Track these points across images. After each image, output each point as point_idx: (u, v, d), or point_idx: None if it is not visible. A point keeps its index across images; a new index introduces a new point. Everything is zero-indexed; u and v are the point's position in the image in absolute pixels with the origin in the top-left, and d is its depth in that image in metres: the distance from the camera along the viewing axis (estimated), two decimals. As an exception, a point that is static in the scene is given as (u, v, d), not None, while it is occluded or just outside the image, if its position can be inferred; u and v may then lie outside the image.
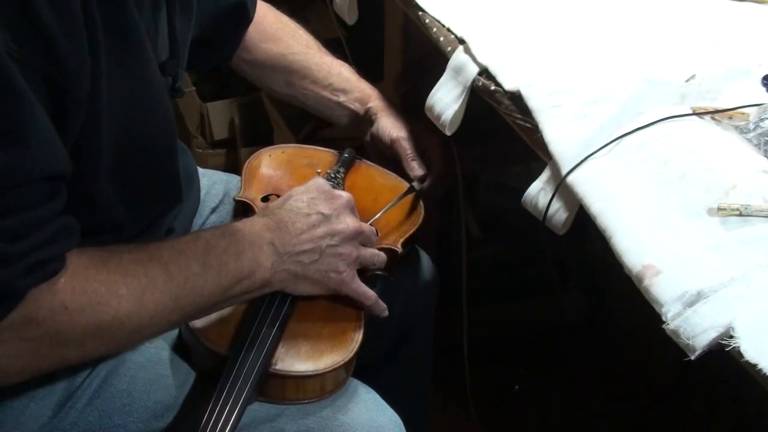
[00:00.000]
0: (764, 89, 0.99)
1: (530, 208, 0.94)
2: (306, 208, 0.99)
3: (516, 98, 0.98)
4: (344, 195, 1.02)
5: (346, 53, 1.65)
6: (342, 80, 1.26)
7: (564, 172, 0.89)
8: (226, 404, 0.86)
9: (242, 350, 0.91)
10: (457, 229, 1.59)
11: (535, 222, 0.94)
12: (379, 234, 1.08)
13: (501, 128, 1.03)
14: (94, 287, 0.79)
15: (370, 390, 1.01)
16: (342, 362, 0.95)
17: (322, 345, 0.97)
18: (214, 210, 1.20)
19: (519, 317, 1.87)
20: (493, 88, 1.02)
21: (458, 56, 1.08)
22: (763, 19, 1.16)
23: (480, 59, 1.05)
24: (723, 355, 0.70)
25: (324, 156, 1.24)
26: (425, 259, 1.28)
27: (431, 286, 1.29)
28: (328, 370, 0.94)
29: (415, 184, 1.19)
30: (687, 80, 1.00)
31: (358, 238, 1.01)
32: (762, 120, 0.90)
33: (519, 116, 0.98)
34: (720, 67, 1.02)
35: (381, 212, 1.12)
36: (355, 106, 1.26)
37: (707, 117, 0.93)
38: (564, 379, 1.81)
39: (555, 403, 1.78)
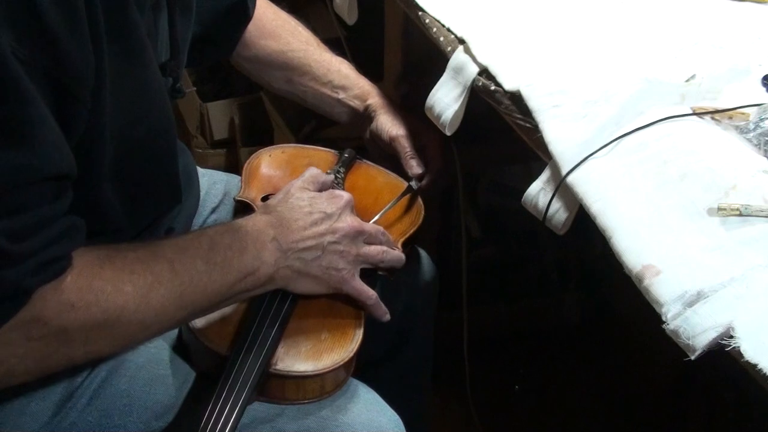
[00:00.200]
0: (764, 89, 0.99)
1: (530, 208, 0.94)
2: (308, 206, 0.99)
3: (516, 98, 0.98)
4: (345, 195, 1.03)
5: (346, 53, 1.65)
6: (341, 77, 1.26)
7: (564, 172, 0.89)
8: (226, 404, 0.86)
9: (242, 350, 0.91)
10: (457, 229, 1.59)
11: (535, 222, 0.94)
12: (380, 234, 1.08)
13: (501, 128, 1.03)
14: (100, 285, 0.80)
15: (370, 390, 1.01)
16: (342, 362, 0.95)
17: (322, 345, 0.97)
18: (214, 210, 1.20)
19: (519, 317, 1.87)
20: (493, 88, 1.02)
21: (458, 56, 1.08)
22: (763, 19, 1.16)
23: (480, 59, 1.05)
24: (723, 355, 0.70)
25: (324, 156, 1.24)
26: (425, 259, 1.28)
27: (431, 286, 1.29)
28: (328, 370, 0.94)
29: (413, 183, 1.19)
30: (687, 80, 1.00)
31: (359, 237, 1.01)
32: (762, 120, 0.90)
33: (519, 116, 0.98)
34: (720, 67, 1.02)
35: (380, 213, 1.12)
36: (355, 104, 1.26)
37: (707, 117, 0.92)
38: (564, 379, 1.81)
39: (555, 403, 1.78)
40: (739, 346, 0.68)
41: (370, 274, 1.03)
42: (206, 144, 2.39)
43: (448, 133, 1.11)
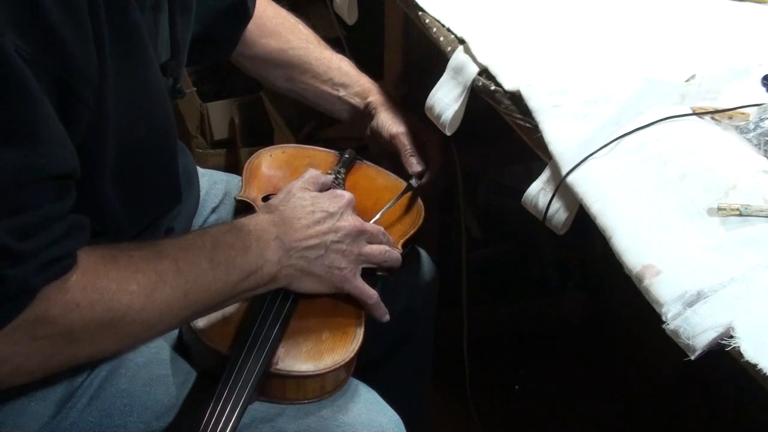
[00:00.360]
0: (764, 89, 0.99)
1: (530, 208, 0.94)
2: (310, 205, 0.99)
3: (516, 98, 0.99)
4: (346, 194, 1.03)
5: (346, 53, 1.65)
6: (342, 74, 1.26)
7: (564, 172, 0.89)
8: (227, 404, 0.86)
9: (243, 350, 0.91)
10: (457, 229, 1.59)
11: (535, 222, 0.94)
12: (381, 234, 1.08)
13: (501, 128, 1.03)
14: (104, 284, 0.80)
15: (371, 390, 1.01)
16: (343, 362, 0.95)
17: (323, 345, 0.97)
18: (214, 210, 1.20)
19: (519, 317, 1.87)
20: (493, 88, 1.02)
21: (458, 56, 1.08)
22: (763, 19, 1.16)
23: (480, 59, 1.05)
24: (723, 355, 0.70)
25: (325, 156, 1.24)
26: (425, 259, 1.28)
27: (431, 286, 1.29)
28: (328, 370, 0.94)
29: (413, 181, 1.19)
30: (687, 80, 1.00)
31: (361, 236, 1.01)
32: (762, 120, 0.90)
33: (519, 116, 0.98)
34: (720, 67, 1.02)
35: (381, 211, 1.12)
36: (355, 101, 1.26)
37: (707, 117, 0.93)
38: (564, 379, 1.81)
39: (555, 403, 1.78)
40: (739, 346, 0.69)
41: (370, 274, 1.03)
42: (206, 144, 2.39)
43: (448, 133, 1.11)
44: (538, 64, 1.03)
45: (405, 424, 1.00)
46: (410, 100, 1.32)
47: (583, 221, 0.88)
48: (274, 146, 1.26)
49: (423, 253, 1.28)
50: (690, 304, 0.73)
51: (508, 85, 1.00)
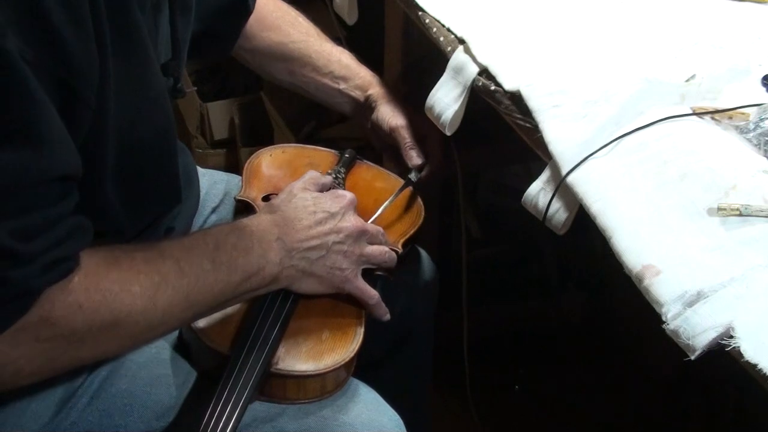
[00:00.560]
0: (764, 89, 0.99)
1: (530, 208, 0.94)
2: (312, 206, 0.99)
3: (516, 98, 0.99)
4: (348, 194, 1.03)
5: (346, 53, 1.65)
6: (342, 67, 1.25)
7: (564, 172, 0.89)
8: (228, 404, 0.86)
9: (244, 350, 0.91)
10: (457, 229, 1.59)
11: (535, 222, 0.94)
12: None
13: (501, 128, 1.03)
14: (107, 286, 0.80)
15: (371, 390, 1.01)
16: (343, 362, 0.95)
17: (323, 345, 0.97)
18: (214, 210, 1.20)
19: (519, 317, 1.87)
20: (493, 88, 1.02)
21: (458, 56, 1.08)
22: (763, 19, 1.16)
23: (480, 59, 1.05)
24: (723, 355, 0.70)
25: (325, 156, 1.24)
26: (425, 259, 1.28)
27: (431, 286, 1.29)
28: (329, 369, 0.94)
29: (412, 175, 1.18)
30: (687, 80, 1.00)
31: (362, 237, 1.01)
32: (762, 120, 0.90)
33: (519, 116, 0.98)
34: (720, 67, 1.02)
35: (380, 209, 1.12)
36: (356, 94, 1.25)
37: (707, 117, 0.93)
38: (564, 379, 1.81)
39: (555, 403, 1.78)
40: (739, 346, 0.69)
41: (369, 274, 1.03)
42: (206, 144, 2.39)
43: (448, 133, 1.11)
44: (538, 64, 1.03)
45: (405, 424, 1.00)
46: (410, 100, 1.32)
47: (583, 221, 0.88)
48: (274, 146, 1.26)
49: (423, 253, 1.28)
50: (690, 304, 0.73)
51: (508, 85, 1.00)
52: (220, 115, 2.34)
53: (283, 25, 1.26)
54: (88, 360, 0.85)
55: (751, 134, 0.90)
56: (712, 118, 0.92)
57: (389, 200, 1.14)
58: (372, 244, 1.03)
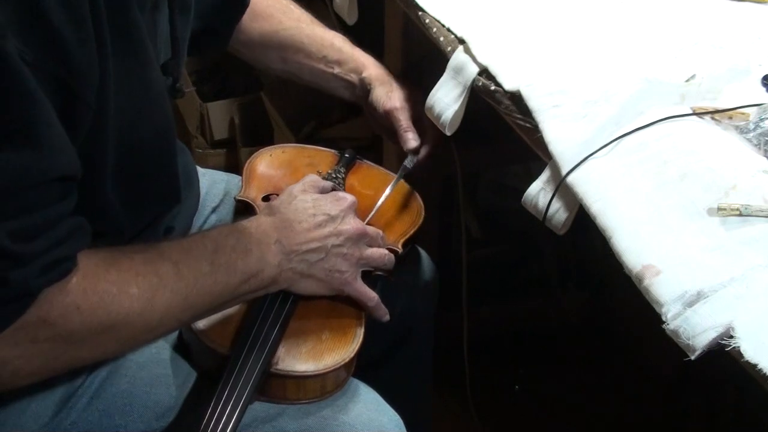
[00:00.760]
0: (764, 89, 0.99)
1: (530, 208, 0.94)
2: (312, 208, 0.99)
3: (516, 98, 0.99)
4: (348, 197, 1.03)
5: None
6: (335, 51, 1.24)
7: (564, 172, 0.89)
8: (228, 404, 0.86)
9: (244, 350, 0.91)
10: (457, 229, 1.59)
11: (535, 222, 0.94)
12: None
13: (501, 128, 1.03)
14: (105, 287, 0.80)
15: (371, 390, 1.01)
16: (343, 362, 0.95)
17: (323, 345, 0.97)
18: (214, 210, 1.20)
19: (519, 317, 1.87)
20: (493, 88, 1.02)
21: (458, 56, 1.08)
22: (763, 19, 1.16)
23: (480, 59, 1.05)
24: (723, 355, 0.70)
25: (325, 156, 1.24)
26: (425, 259, 1.28)
27: (431, 286, 1.29)
28: (328, 370, 0.94)
29: (407, 161, 1.17)
30: (687, 80, 1.00)
31: (362, 239, 1.01)
32: (762, 120, 0.90)
33: (519, 116, 0.98)
34: (720, 67, 1.02)
35: (380, 200, 1.12)
36: (351, 77, 1.24)
37: (707, 117, 0.93)
38: (564, 379, 1.81)
39: (555, 403, 1.78)
40: (739, 346, 0.69)
41: (369, 274, 1.03)
42: (206, 144, 2.39)
43: (448, 133, 1.11)
44: (538, 64, 1.03)
45: (405, 424, 1.00)
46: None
47: (583, 221, 0.88)
48: (274, 146, 1.26)
49: (423, 253, 1.28)
50: (690, 304, 0.73)
51: (508, 85, 1.00)
52: (220, 115, 2.34)
53: (275, 13, 1.25)
54: (87, 361, 0.85)
55: (751, 134, 0.90)
56: (712, 118, 0.92)
57: (388, 190, 1.13)
58: (371, 246, 1.02)
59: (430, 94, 1.11)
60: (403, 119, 1.19)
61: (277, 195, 1.08)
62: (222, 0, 1.16)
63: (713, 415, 1.64)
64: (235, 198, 1.15)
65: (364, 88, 1.23)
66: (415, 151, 1.18)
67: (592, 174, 0.88)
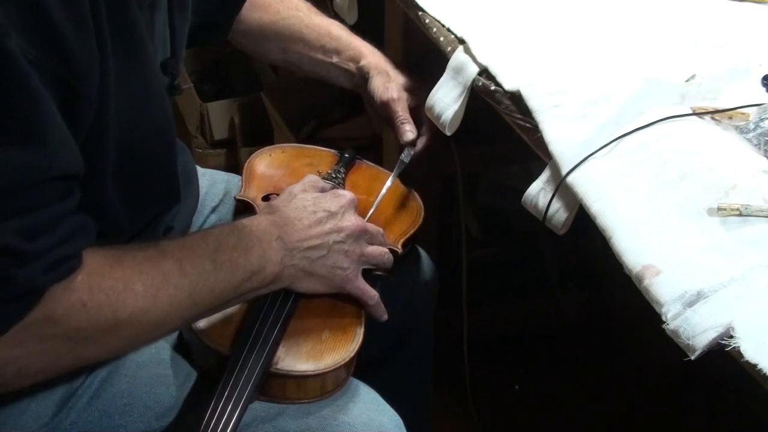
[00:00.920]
0: (764, 89, 0.99)
1: (530, 208, 0.94)
2: (312, 205, 0.99)
3: (516, 98, 0.99)
4: (348, 194, 1.03)
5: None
6: (333, 40, 1.23)
7: (564, 172, 0.89)
8: (228, 404, 0.86)
9: (244, 350, 0.91)
10: (457, 229, 1.59)
11: (535, 222, 0.94)
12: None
13: (501, 128, 1.03)
14: (110, 284, 0.80)
15: (371, 390, 1.01)
16: (343, 362, 0.95)
17: (324, 345, 0.97)
18: (214, 209, 1.20)
19: (519, 317, 1.87)
20: (493, 88, 1.02)
21: (458, 56, 1.08)
22: (763, 19, 1.16)
23: (480, 59, 1.05)
24: (723, 355, 0.70)
25: (324, 156, 1.24)
26: (425, 259, 1.28)
27: (431, 286, 1.29)
28: (329, 369, 0.94)
29: (404, 155, 1.17)
30: (687, 80, 1.00)
31: (363, 236, 1.01)
32: (762, 120, 0.90)
33: (519, 116, 0.98)
34: (720, 67, 1.02)
35: (378, 197, 1.12)
36: (349, 66, 1.23)
37: (707, 117, 0.93)
38: (564, 379, 1.81)
39: (555, 403, 1.78)
40: (739, 346, 0.69)
41: (369, 274, 1.04)
42: (206, 144, 2.39)
43: (448, 133, 1.11)
44: (538, 64, 1.03)
45: (405, 424, 1.00)
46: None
47: (583, 221, 0.88)
48: (274, 146, 1.26)
49: (423, 253, 1.28)
50: (690, 304, 0.73)
51: (508, 85, 1.00)
52: (220, 115, 2.34)
53: (273, 3, 1.25)
54: (92, 359, 0.85)
55: (751, 134, 0.90)
56: (712, 118, 0.92)
57: (386, 185, 1.13)
58: (372, 244, 1.03)
59: (430, 94, 1.11)
60: (400, 110, 1.18)
61: (277, 195, 1.08)
62: None
63: (713, 415, 1.64)
64: (235, 198, 1.15)
65: (362, 77, 1.22)
66: (412, 144, 1.18)
67: (592, 174, 0.88)
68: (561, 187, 0.89)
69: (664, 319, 0.73)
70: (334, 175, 1.17)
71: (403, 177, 1.20)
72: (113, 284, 0.80)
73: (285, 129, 2.08)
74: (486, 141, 1.43)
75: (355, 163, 1.24)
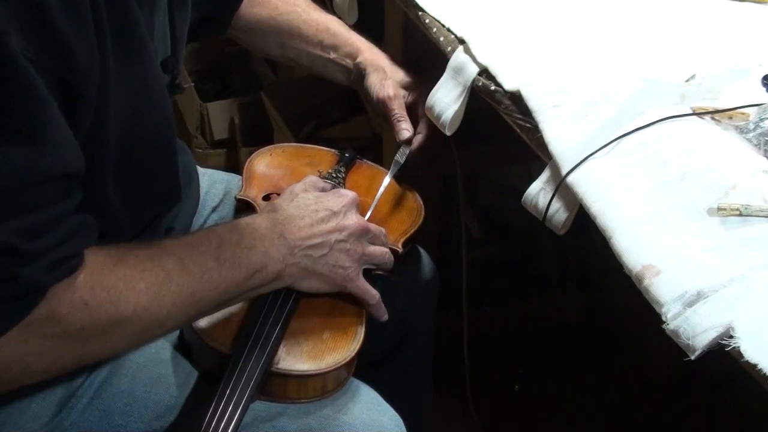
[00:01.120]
0: (764, 89, 0.99)
1: (530, 208, 0.94)
2: (314, 204, 0.99)
3: (516, 98, 0.99)
4: (350, 193, 1.03)
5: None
6: (330, 36, 1.24)
7: (564, 172, 0.89)
8: (229, 403, 0.86)
9: (245, 349, 0.92)
10: (457, 229, 1.59)
11: (535, 222, 0.94)
12: (381, 234, 1.09)
13: (501, 128, 1.03)
14: (112, 283, 0.80)
15: (371, 390, 1.01)
16: (344, 362, 0.95)
17: (324, 344, 0.97)
18: (214, 209, 1.20)
19: (519, 317, 1.88)
20: (493, 88, 1.02)
21: (458, 56, 1.08)
22: (763, 19, 1.16)
23: (480, 59, 1.05)
24: (723, 355, 0.70)
25: (325, 155, 1.24)
26: (425, 259, 1.28)
27: (431, 286, 1.29)
28: (329, 369, 0.95)
29: (398, 155, 1.17)
30: (687, 80, 1.00)
31: (364, 235, 1.01)
32: (762, 120, 0.90)
33: (519, 116, 0.98)
34: (720, 67, 1.02)
35: (375, 198, 1.12)
36: (346, 62, 1.24)
37: (707, 117, 0.93)
38: (564, 379, 1.81)
39: (555, 403, 1.78)
40: (739, 346, 0.69)
41: (369, 274, 1.04)
42: (206, 144, 2.39)
43: (448, 133, 1.11)
44: (538, 64, 1.03)
45: (405, 424, 1.00)
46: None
47: (583, 221, 0.88)
48: (274, 146, 1.26)
49: (423, 253, 1.28)
50: (690, 304, 0.73)
51: (508, 85, 1.00)
52: (220, 115, 2.34)
53: None
54: (95, 358, 0.85)
55: (751, 134, 0.90)
56: (712, 118, 0.92)
57: (382, 187, 1.13)
58: (373, 243, 1.03)
59: (430, 94, 1.11)
60: (396, 107, 1.18)
61: (278, 194, 1.09)
62: None
63: (713, 415, 1.64)
64: (235, 197, 1.15)
65: (359, 73, 1.22)
66: (408, 142, 1.18)
67: (592, 174, 0.88)
68: (561, 187, 0.89)
69: (664, 319, 0.73)
70: (334, 175, 1.17)
71: (403, 177, 1.20)
72: (115, 283, 0.80)
73: (285, 129, 2.08)
74: (486, 141, 1.43)
75: (356, 162, 1.24)
